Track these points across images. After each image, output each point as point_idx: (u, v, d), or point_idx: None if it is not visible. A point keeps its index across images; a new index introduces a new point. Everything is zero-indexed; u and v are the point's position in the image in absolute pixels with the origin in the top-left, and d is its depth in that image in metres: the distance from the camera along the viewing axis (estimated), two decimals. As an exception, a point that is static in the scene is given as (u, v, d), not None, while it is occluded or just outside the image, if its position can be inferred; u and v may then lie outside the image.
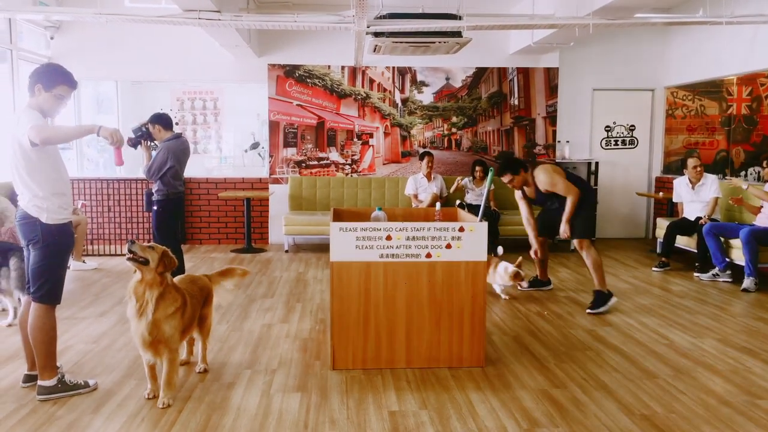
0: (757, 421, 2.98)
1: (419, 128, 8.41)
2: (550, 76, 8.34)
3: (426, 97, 8.34)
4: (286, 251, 7.68)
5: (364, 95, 8.21)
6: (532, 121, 8.40)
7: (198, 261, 7.02)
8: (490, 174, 4.16)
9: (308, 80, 8.09)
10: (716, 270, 6.01)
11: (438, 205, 4.59)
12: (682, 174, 6.83)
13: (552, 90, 8.35)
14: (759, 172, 6.67)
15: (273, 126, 8.09)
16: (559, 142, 8.47)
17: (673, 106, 8.40)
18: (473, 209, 7.04)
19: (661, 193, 7.80)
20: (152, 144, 5.16)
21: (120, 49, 7.85)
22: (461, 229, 3.58)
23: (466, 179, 7.68)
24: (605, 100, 8.64)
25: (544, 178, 4.99)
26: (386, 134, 8.35)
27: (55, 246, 3.11)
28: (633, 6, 5.62)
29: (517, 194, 5.37)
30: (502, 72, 8.33)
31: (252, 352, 3.96)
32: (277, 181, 8.19)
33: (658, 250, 7.13)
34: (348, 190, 8.18)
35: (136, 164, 6.96)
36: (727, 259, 5.98)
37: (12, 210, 5.19)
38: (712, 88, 7.57)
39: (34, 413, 3.02)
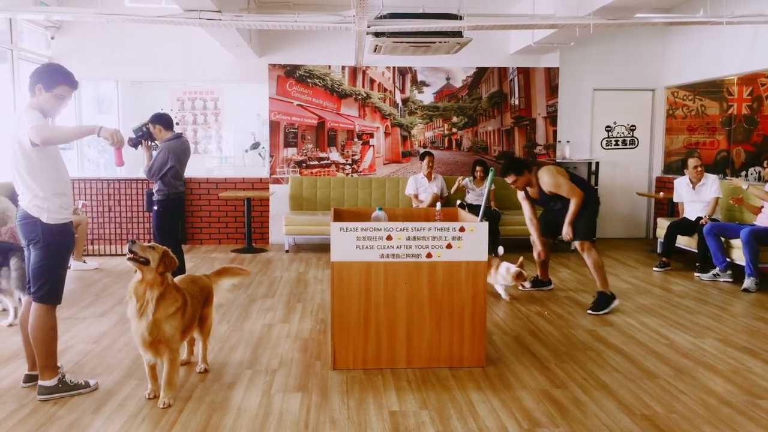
0: (757, 421, 2.98)
1: (420, 128, 8.41)
2: (551, 76, 8.34)
3: (426, 97, 8.34)
4: (287, 251, 7.68)
5: (365, 95, 8.21)
6: (533, 121, 8.40)
7: (198, 261, 7.02)
8: (490, 174, 4.15)
9: (309, 80, 8.09)
10: (717, 270, 6.01)
11: (438, 205, 4.59)
12: (683, 174, 6.83)
13: (552, 90, 8.35)
14: (759, 172, 6.67)
15: (273, 126, 8.09)
16: (559, 142, 8.47)
17: (673, 106, 8.39)
18: (474, 209, 7.06)
19: (661, 193, 7.80)
20: (153, 144, 5.16)
21: (120, 49, 7.85)
22: (462, 229, 3.58)
23: (467, 179, 7.68)
24: (606, 100, 8.64)
25: (548, 179, 4.97)
26: (387, 134, 8.35)
27: (56, 246, 3.12)
28: (633, 6, 5.62)
29: (520, 194, 5.35)
30: (502, 72, 8.33)
31: (253, 352, 3.96)
32: (277, 181, 8.19)
33: (659, 250, 7.13)
34: (348, 190, 8.18)
35: (136, 164, 6.96)
36: (728, 259, 5.98)
37: (13, 210, 5.20)
38: (713, 88, 7.57)
39: (35, 413, 3.02)
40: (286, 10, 7.09)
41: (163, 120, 5.10)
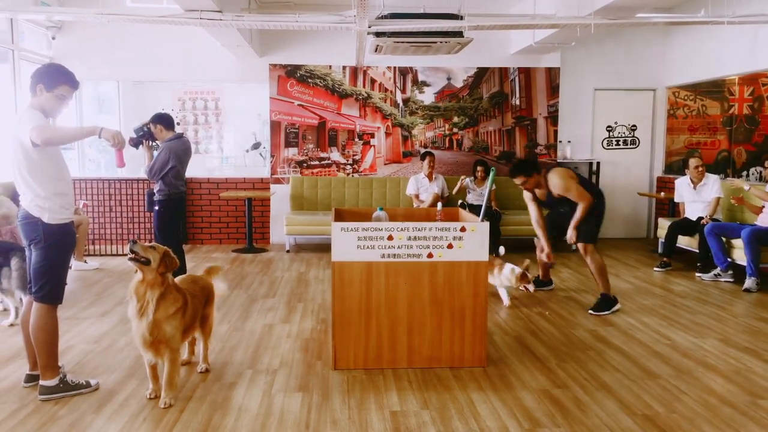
0: (758, 421, 2.98)
1: (420, 128, 8.41)
2: (552, 75, 8.33)
3: (427, 97, 8.34)
4: (288, 251, 7.68)
5: (366, 95, 8.21)
6: (534, 121, 8.40)
7: (199, 261, 7.02)
8: (491, 174, 4.15)
9: (309, 80, 8.10)
10: (718, 270, 6.00)
11: (439, 205, 4.59)
12: (684, 174, 6.82)
13: (553, 90, 8.35)
14: (761, 172, 6.66)
15: (274, 126, 8.09)
16: (560, 142, 8.47)
17: (674, 106, 8.39)
18: (474, 209, 7.06)
19: (662, 193, 7.79)
20: (154, 144, 5.17)
21: (121, 49, 7.86)
22: (463, 229, 3.58)
23: (468, 179, 7.67)
24: (607, 100, 8.64)
25: (557, 182, 4.91)
26: (387, 134, 8.35)
27: (57, 246, 3.12)
28: (634, 6, 5.62)
29: (527, 195, 5.25)
30: (503, 72, 8.33)
31: (253, 352, 3.96)
32: (278, 181, 8.19)
33: (660, 250, 7.13)
34: (349, 190, 8.18)
35: (137, 164, 6.98)
36: (729, 259, 5.97)
37: (15, 210, 5.20)
38: (714, 88, 7.57)
39: (36, 413, 3.02)
40: (286, 10, 7.10)
41: (164, 120, 5.10)
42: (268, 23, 5.57)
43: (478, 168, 7.64)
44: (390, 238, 3.55)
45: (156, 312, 3.02)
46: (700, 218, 6.41)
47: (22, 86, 6.90)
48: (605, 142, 8.71)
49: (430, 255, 3.58)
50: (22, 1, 6.55)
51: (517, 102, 8.38)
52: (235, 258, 7.28)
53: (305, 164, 8.21)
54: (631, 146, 8.76)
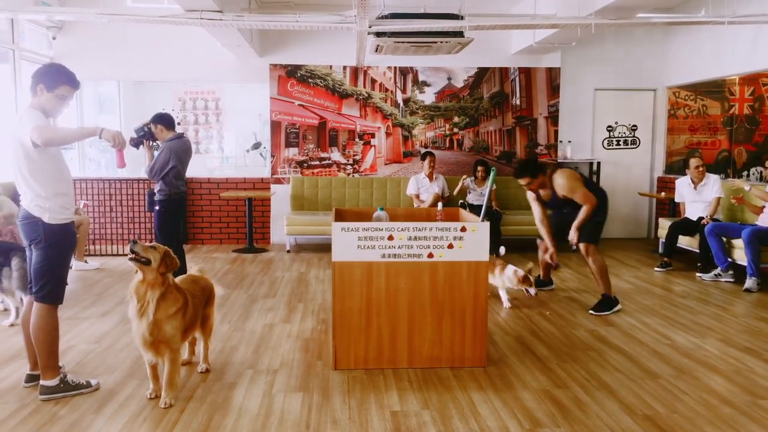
0: (759, 422, 2.98)
1: (421, 128, 8.41)
2: (552, 76, 8.33)
3: (428, 97, 8.34)
4: (288, 251, 7.68)
5: (366, 95, 8.21)
6: (534, 121, 8.40)
7: (200, 261, 7.03)
8: (492, 174, 4.15)
9: (310, 80, 8.10)
10: (718, 270, 6.00)
11: (440, 205, 4.58)
12: (684, 174, 6.82)
13: (554, 90, 8.35)
14: (761, 172, 6.66)
15: (275, 126, 8.09)
16: (560, 141, 8.46)
17: (675, 106, 8.39)
18: (475, 209, 7.06)
19: (663, 193, 7.79)
20: (154, 144, 5.16)
21: (122, 49, 7.86)
22: (463, 229, 3.58)
23: (468, 179, 7.67)
24: (607, 100, 8.64)
25: (563, 183, 4.90)
26: (388, 134, 8.35)
27: (58, 246, 3.12)
28: (635, 6, 5.62)
29: (530, 195, 5.24)
30: (503, 72, 8.33)
31: (254, 352, 3.96)
32: (278, 181, 8.20)
33: (660, 250, 7.13)
34: (350, 190, 8.18)
35: (138, 164, 6.98)
36: (730, 260, 5.97)
37: (16, 210, 5.19)
38: (714, 88, 7.56)
39: (37, 413, 3.03)
40: (287, 10, 7.10)
41: (164, 120, 5.10)
42: (269, 23, 5.57)
43: (479, 168, 7.64)
44: (390, 238, 3.55)
45: (156, 312, 3.02)
46: (701, 218, 6.41)
47: (22, 86, 6.90)
48: (606, 142, 8.71)
49: (430, 255, 3.58)
50: (22, 1, 6.55)
51: (518, 102, 8.38)
52: (235, 258, 7.29)
53: (306, 164, 8.21)
54: (632, 146, 8.76)
